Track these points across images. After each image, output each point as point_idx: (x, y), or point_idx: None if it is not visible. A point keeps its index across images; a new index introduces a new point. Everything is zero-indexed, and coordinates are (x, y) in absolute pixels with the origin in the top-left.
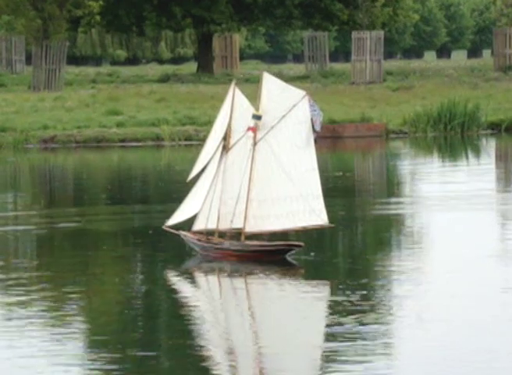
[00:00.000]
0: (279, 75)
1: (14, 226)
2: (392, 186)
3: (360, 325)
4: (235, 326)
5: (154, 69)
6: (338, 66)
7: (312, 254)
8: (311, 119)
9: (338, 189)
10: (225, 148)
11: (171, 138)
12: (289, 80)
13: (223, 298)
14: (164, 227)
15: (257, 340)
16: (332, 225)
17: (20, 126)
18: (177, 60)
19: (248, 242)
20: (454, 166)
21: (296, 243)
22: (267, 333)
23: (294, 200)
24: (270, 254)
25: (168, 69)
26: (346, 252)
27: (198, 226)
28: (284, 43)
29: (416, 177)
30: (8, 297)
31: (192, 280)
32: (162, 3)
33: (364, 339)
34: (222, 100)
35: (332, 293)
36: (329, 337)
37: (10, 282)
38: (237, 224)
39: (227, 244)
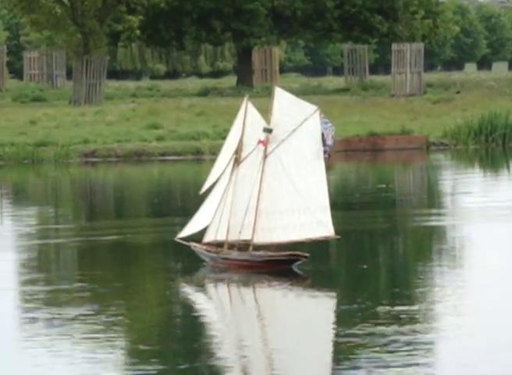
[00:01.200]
0: (319, 88)
1: (55, 239)
2: (433, 198)
3: (372, 335)
4: (249, 334)
5: (193, 83)
6: (378, 79)
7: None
8: (322, 134)
9: (380, 201)
10: (237, 161)
11: (211, 152)
12: (328, 93)
13: (238, 308)
14: (176, 239)
15: (273, 351)
16: (338, 236)
17: (61, 140)
18: (217, 74)
19: (255, 252)
20: (496, 178)
21: (303, 254)
22: (285, 341)
23: (302, 212)
24: (276, 264)
25: (208, 82)
26: (387, 262)
27: (209, 237)
28: (324, 56)
29: (457, 189)
30: (50, 309)
31: (204, 291)
32: (202, 17)
33: (375, 347)
34: (261, 114)
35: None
36: (339, 345)
37: (52, 294)
38: (246, 236)
39: (235, 254)
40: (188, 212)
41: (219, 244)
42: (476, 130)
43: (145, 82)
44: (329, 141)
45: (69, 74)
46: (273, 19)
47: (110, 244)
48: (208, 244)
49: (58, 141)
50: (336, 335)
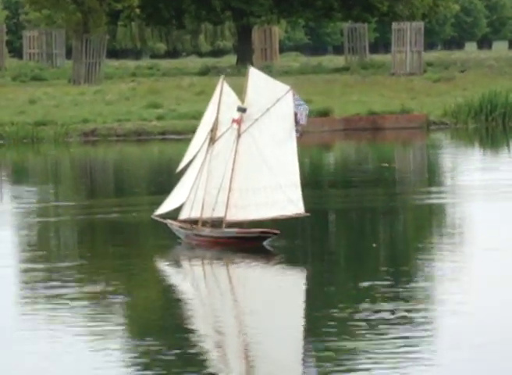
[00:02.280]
0: (319, 67)
1: (55, 216)
2: (433, 176)
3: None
4: (222, 316)
5: (193, 62)
6: (378, 58)
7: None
8: (295, 113)
9: (380, 179)
10: (212, 140)
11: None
12: (328, 72)
13: (212, 287)
14: (152, 216)
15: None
16: (308, 214)
17: (61, 119)
18: (217, 53)
19: (228, 229)
20: (496, 157)
21: (273, 230)
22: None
23: (274, 190)
24: (248, 241)
25: (208, 61)
26: (389, 239)
27: (184, 214)
28: (324, 35)
29: (457, 168)
30: (50, 289)
31: (179, 269)
32: None
33: (349, 324)
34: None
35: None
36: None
37: (51, 273)
38: (219, 213)
39: (207, 231)
40: None
41: (194, 222)
42: (476, 109)
43: (145, 61)
44: (303, 121)
45: (69, 53)
46: None
47: (110, 222)
48: (183, 221)
49: (58, 120)
50: (312, 312)
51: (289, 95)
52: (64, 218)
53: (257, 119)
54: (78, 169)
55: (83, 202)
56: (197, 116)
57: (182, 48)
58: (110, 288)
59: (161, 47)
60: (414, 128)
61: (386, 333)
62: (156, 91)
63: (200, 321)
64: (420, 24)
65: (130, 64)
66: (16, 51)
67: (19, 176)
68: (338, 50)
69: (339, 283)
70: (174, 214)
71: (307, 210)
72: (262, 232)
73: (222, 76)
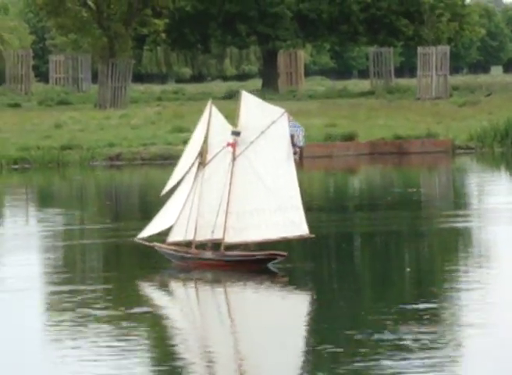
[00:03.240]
0: (344, 91)
1: (80, 239)
2: (459, 200)
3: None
4: (219, 339)
5: (218, 86)
6: (403, 82)
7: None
8: (292, 135)
9: (406, 203)
10: (202, 163)
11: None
12: (354, 96)
13: (212, 310)
14: (136, 239)
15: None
16: (312, 235)
17: (86, 143)
18: (242, 77)
19: (230, 252)
20: None
21: (281, 253)
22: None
23: (273, 212)
24: (253, 263)
25: (233, 85)
26: (414, 262)
27: (174, 237)
28: (349, 59)
29: (483, 191)
30: (75, 312)
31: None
32: (227, 20)
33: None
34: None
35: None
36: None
37: (77, 295)
38: (216, 235)
39: (208, 254)
40: None
41: (186, 244)
42: (502, 133)
43: (170, 85)
44: (300, 143)
45: (95, 78)
46: (298, 22)
47: (135, 245)
48: (174, 244)
49: (84, 144)
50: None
51: (284, 118)
52: (89, 241)
53: (252, 142)
54: (103, 192)
55: (108, 225)
56: None
57: (207, 73)
58: (136, 310)
59: (187, 71)
60: (439, 152)
61: (412, 357)
62: (181, 116)
63: (193, 348)
64: (445, 48)
65: (156, 88)
66: (42, 76)
67: (45, 199)
68: (363, 74)
69: (366, 306)
70: (156, 237)
71: (330, 233)
72: (271, 254)
73: (209, 100)
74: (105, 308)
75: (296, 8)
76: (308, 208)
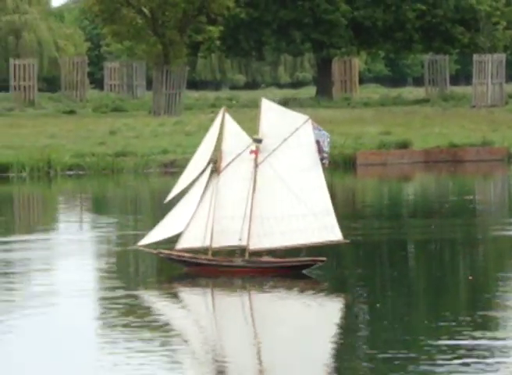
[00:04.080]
0: (399, 98)
1: (135, 245)
2: None
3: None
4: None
5: (273, 94)
6: (459, 90)
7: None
8: (318, 141)
9: (462, 211)
10: (217, 171)
11: None
12: (408, 103)
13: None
14: (138, 246)
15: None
16: (348, 240)
17: (140, 150)
18: (296, 84)
19: (264, 259)
20: None
21: (320, 258)
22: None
23: (302, 217)
24: (291, 269)
25: (287, 93)
26: (469, 270)
27: (184, 244)
28: (404, 66)
29: None
30: (128, 317)
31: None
32: (282, 28)
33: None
34: (340, 124)
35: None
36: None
37: (130, 300)
38: (239, 242)
39: (239, 261)
40: None
41: (203, 251)
42: None
43: (224, 92)
44: (326, 148)
45: (149, 84)
46: (353, 29)
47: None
48: (183, 250)
49: (138, 151)
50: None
51: (308, 125)
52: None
53: (275, 150)
54: (157, 199)
55: None
56: None
57: (261, 80)
58: (190, 316)
59: (241, 78)
60: (495, 160)
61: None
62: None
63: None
64: (501, 56)
65: (210, 95)
66: (97, 83)
67: (99, 206)
68: (418, 82)
69: (419, 313)
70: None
71: (383, 240)
72: (312, 260)
73: (222, 108)
74: (158, 314)
75: (351, 15)
76: (362, 216)
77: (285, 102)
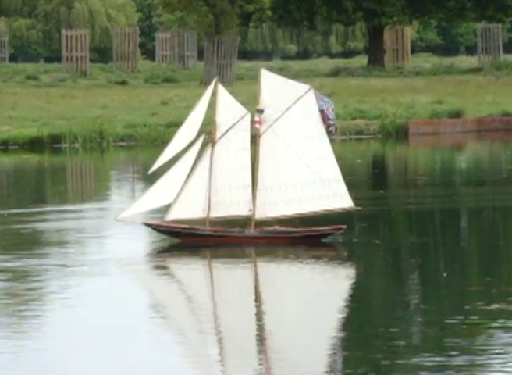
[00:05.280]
0: (451, 68)
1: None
2: None
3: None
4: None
5: (324, 63)
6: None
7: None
8: (322, 111)
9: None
10: (212, 142)
11: (341, 132)
12: (461, 72)
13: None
14: (118, 218)
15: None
16: (359, 208)
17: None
18: (348, 54)
19: (280, 229)
20: None
21: (341, 226)
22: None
23: (310, 184)
24: (312, 238)
25: (339, 62)
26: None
27: (176, 215)
28: (456, 35)
29: None
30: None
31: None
32: None
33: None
34: (392, 93)
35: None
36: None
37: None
38: (240, 212)
39: (252, 231)
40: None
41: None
42: None
43: (276, 62)
44: (331, 115)
45: (200, 55)
46: None
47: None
48: (173, 222)
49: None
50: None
51: (310, 94)
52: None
53: (277, 119)
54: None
55: None
56: None
57: (312, 49)
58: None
59: (292, 48)
60: None
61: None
62: None
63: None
64: None
65: (261, 65)
66: (148, 53)
67: (150, 176)
68: (471, 50)
69: (468, 282)
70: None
71: (435, 208)
72: (336, 228)
73: (215, 79)
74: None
75: None
76: (415, 185)
77: (336, 72)
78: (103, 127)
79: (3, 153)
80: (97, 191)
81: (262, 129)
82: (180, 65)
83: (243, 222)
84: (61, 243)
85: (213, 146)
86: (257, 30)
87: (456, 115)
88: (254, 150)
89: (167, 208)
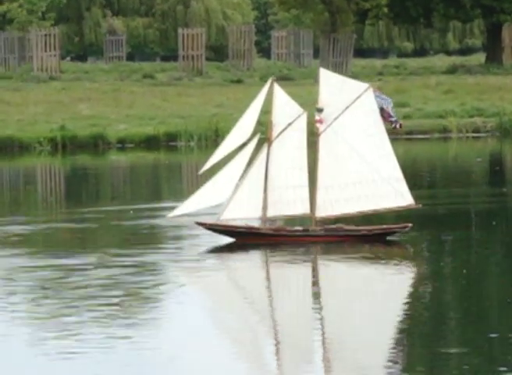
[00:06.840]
0: None
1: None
2: None
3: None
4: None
5: (441, 61)
6: None
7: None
8: (382, 109)
9: None
10: (268, 141)
11: (458, 130)
12: None
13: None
14: (169, 217)
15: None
16: (419, 205)
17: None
18: (465, 51)
19: (346, 227)
20: None
21: (407, 224)
22: None
23: (372, 183)
24: (379, 236)
25: (456, 60)
26: None
27: (231, 214)
28: None
29: None
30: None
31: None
32: None
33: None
34: (511, 91)
35: None
36: None
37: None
38: (287, 211)
39: (317, 230)
40: (434, 186)
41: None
42: None
43: (392, 60)
44: (392, 113)
45: (316, 53)
46: None
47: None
48: (230, 220)
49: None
50: None
51: (370, 92)
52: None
53: (336, 118)
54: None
55: None
56: (444, 115)
57: (429, 47)
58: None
59: (409, 46)
60: None
61: None
62: (403, 90)
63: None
64: None
65: (377, 63)
66: (264, 52)
67: None
68: None
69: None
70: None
71: None
72: (403, 226)
73: (270, 79)
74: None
75: None
76: None
77: (453, 69)
78: (218, 126)
79: (120, 151)
80: None
81: (321, 128)
82: (296, 63)
83: (301, 221)
84: (193, 236)
85: (269, 146)
86: (374, 28)
87: None
88: (310, 149)
89: (214, 208)
